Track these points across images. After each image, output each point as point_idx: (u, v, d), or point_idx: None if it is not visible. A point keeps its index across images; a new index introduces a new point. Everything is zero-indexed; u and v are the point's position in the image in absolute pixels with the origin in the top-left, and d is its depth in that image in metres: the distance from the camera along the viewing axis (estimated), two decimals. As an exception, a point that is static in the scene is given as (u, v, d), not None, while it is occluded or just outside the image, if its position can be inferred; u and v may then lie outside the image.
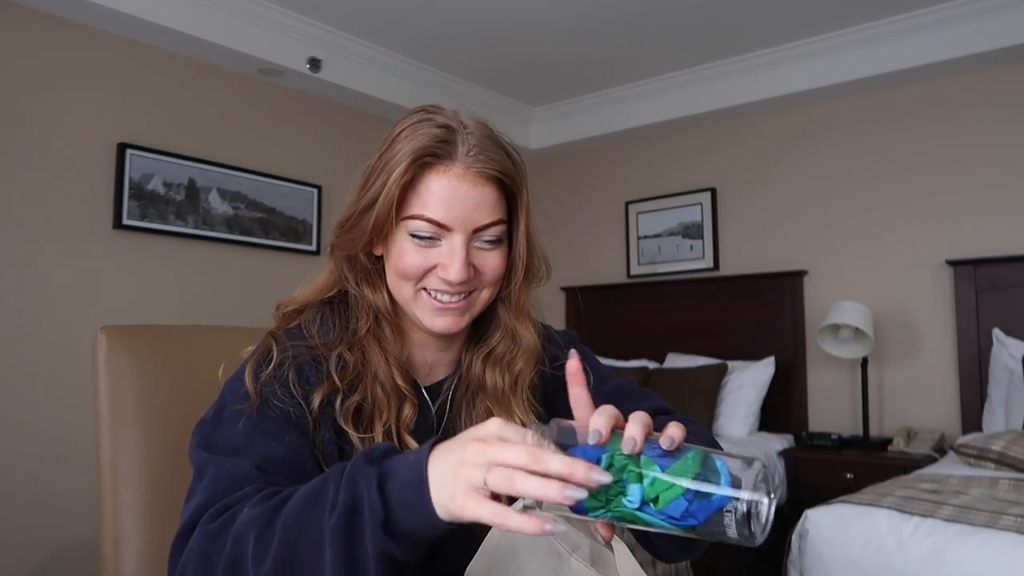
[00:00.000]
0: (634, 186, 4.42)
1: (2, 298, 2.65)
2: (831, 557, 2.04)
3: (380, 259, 0.90)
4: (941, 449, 3.19)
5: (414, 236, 0.83)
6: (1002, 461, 2.53)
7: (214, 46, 3.13)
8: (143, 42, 3.08)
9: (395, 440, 0.85)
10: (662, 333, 4.13)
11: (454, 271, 0.82)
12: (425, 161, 0.81)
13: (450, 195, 0.81)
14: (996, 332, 3.17)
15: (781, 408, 3.69)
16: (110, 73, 2.98)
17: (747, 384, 3.61)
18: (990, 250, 3.27)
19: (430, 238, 0.83)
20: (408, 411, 0.87)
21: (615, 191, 4.50)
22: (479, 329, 0.95)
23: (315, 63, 3.44)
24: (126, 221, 2.97)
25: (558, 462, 0.56)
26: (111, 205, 2.95)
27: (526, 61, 3.86)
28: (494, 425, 0.60)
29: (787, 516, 3.20)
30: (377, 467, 0.63)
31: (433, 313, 0.86)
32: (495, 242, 0.85)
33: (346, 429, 0.83)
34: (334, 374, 0.84)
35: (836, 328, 3.39)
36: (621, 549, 0.70)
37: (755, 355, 3.75)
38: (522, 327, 0.92)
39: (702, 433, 0.84)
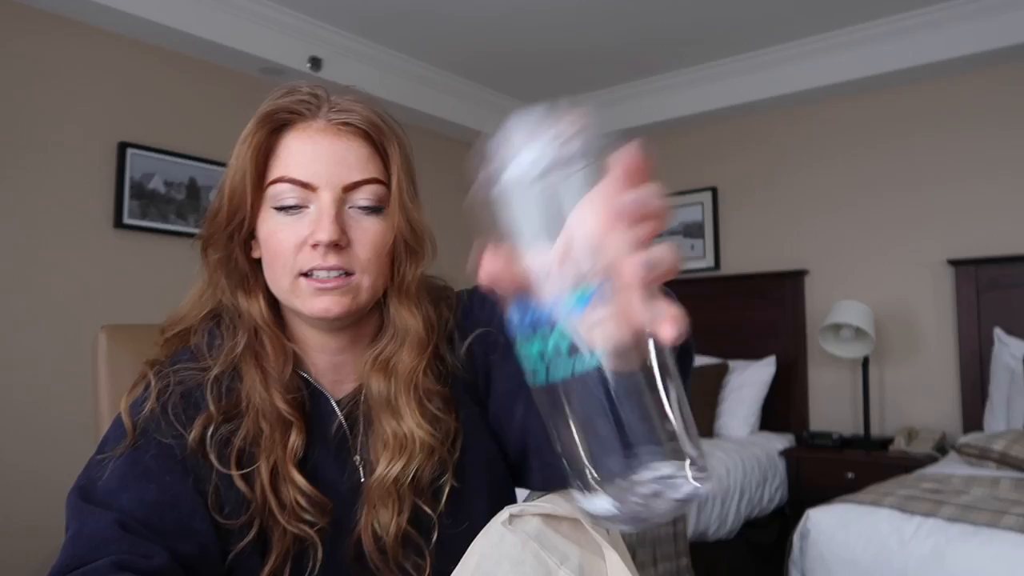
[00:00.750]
0: (635, 185, 4.41)
1: (2, 297, 2.65)
2: (833, 557, 2.04)
3: (258, 262, 0.81)
4: (942, 449, 3.19)
5: (279, 210, 0.75)
6: (1004, 461, 2.53)
7: (215, 45, 3.13)
8: (144, 41, 3.08)
9: (283, 477, 0.75)
10: (663, 332, 4.12)
11: (323, 229, 0.73)
12: (282, 119, 0.76)
13: (311, 149, 0.75)
14: (997, 331, 3.16)
15: (782, 408, 3.69)
16: (111, 72, 2.98)
17: (748, 383, 3.61)
18: (991, 249, 3.26)
19: (296, 206, 0.75)
20: (295, 439, 0.76)
21: (616, 190, 4.49)
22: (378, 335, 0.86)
23: (316, 62, 3.43)
24: (127, 220, 2.97)
25: None
26: (112, 204, 2.94)
27: (527, 60, 3.86)
28: None
29: (788, 516, 3.20)
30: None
31: (312, 295, 0.75)
32: (371, 209, 0.76)
33: (226, 472, 0.74)
34: (209, 403, 0.76)
35: (837, 327, 3.39)
36: (613, 559, 0.67)
37: (756, 354, 3.75)
38: (407, 313, 0.80)
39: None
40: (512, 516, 0.68)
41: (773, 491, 3.25)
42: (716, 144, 4.13)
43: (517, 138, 0.40)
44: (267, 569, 0.73)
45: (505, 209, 0.40)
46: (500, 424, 0.84)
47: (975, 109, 3.36)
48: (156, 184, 3.06)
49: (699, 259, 4.14)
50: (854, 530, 2.03)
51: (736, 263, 4.02)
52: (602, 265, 0.38)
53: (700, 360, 3.81)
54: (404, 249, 0.79)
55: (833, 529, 2.06)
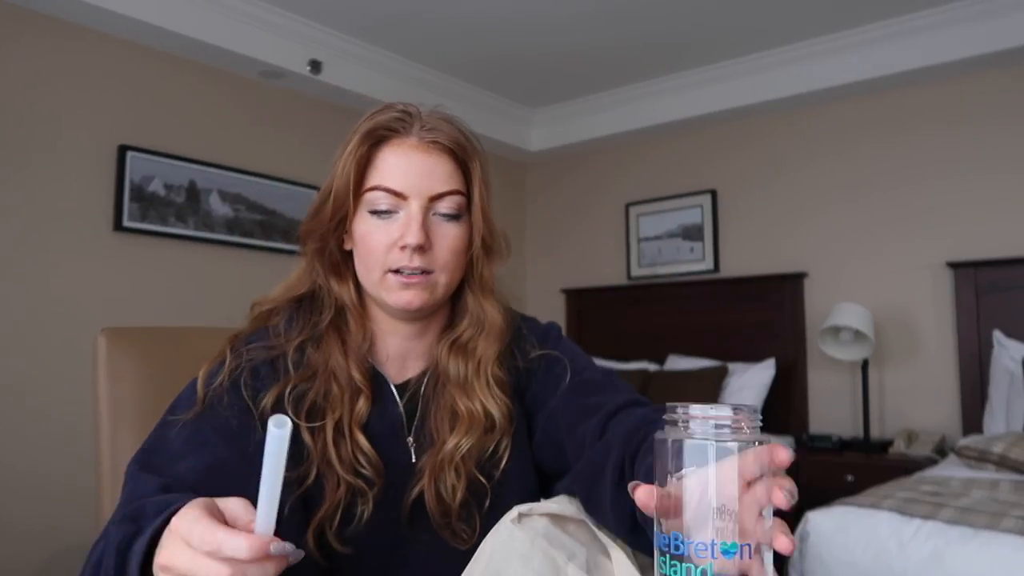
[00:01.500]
0: (634, 188, 4.42)
1: (2, 299, 2.65)
2: (832, 559, 2.03)
3: (350, 254, 0.92)
4: (942, 451, 3.19)
5: (374, 213, 0.86)
6: (1003, 463, 2.53)
7: (215, 48, 3.13)
8: (144, 44, 3.08)
9: (345, 435, 0.85)
10: (662, 335, 4.13)
11: (411, 234, 0.84)
12: (380, 135, 0.86)
13: (404, 163, 0.86)
14: (996, 334, 3.17)
15: (782, 410, 3.69)
16: (111, 75, 2.98)
17: (748, 386, 3.61)
18: (990, 252, 3.27)
19: (389, 211, 0.86)
20: (362, 406, 0.87)
21: (615, 193, 4.50)
22: (452, 322, 0.96)
23: (316, 65, 3.44)
24: (126, 223, 2.97)
25: (234, 542, 0.56)
26: (111, 207, 2.95)
27: (526, 63, 3.86)
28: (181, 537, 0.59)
29: (788, 518, 3.20)
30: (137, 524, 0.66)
31: (398, 289, 0.86)
32: (453, 217, 0.88)
33: (297, 422, 0.83)
34: (291, 369, 0.86)
35: (836, 330, 3.39)
36: (619, 557, 0.69)
37: (756, 357, 3.75)
38: (487, 305, 0.93)
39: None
40: (521, 515, 0.71)
41: (773, 494, 3.25)
42: (715, 146, 4.14)
43: (701, 409, 0.54)
44: (318, 517, 0.81)
45: (678, 454, 0.54)
46: (556, 433, 0.92)
47: (974, 111, 3.37)
48: (156, 187, 3.07)
49: (698, 262, 4.14)
50: (853, 532, 2.03)
51: (735, 266, 4.03)
52: (744, 527, 0.52)
53: (699, 362, 3.81)
54: (483, 249, 0.91)
55: (832, 531, 2.06)
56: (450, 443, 0.86)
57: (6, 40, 2.71)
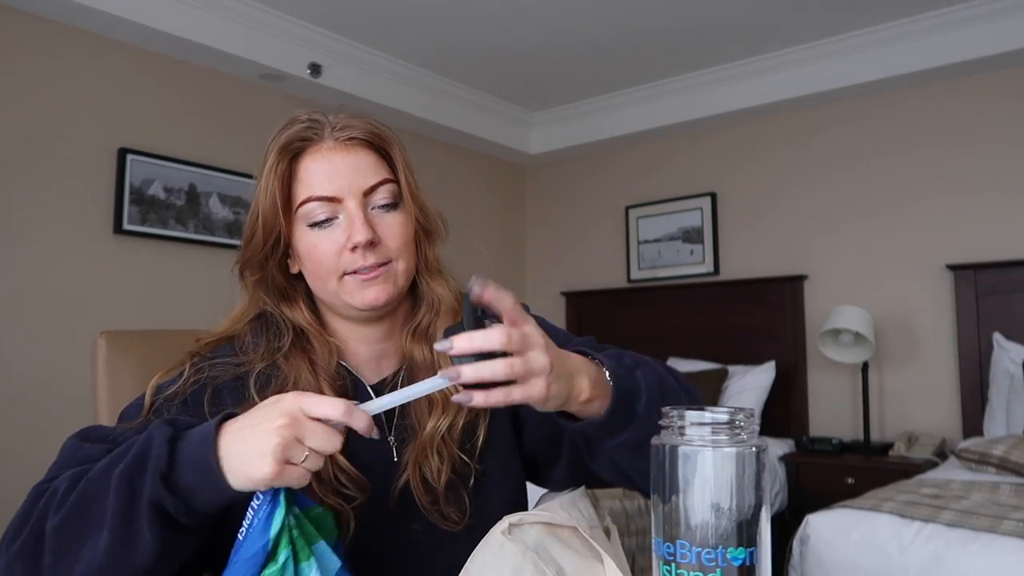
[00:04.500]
0: (634, 191, 4.42)
1: (3, 301, 2.65)
2: (832, 562, 2.03)
3: (298, 277, 0.91)
4: (942, 454, 3.19)
5: (313, 226, 0.85)
6: (1003, 466, 2.52)
7: (215, 51, 3.14)
8: (144, 48, 3.08)
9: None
10: (662, 338, 4.13)
11: (357, 232, 0.83)
12: (296, 148, 0.86)
13: (328, 168, 0.85)
14: (996, 336, 3.17)
15: (782, 413, 3.69)
16: (111, 78, 2.98)
17: (748, 389, 3.60)
18: (990, 254, 3.27)
19: (328, 219, 0.85)
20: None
21: (615, 196, 4.50)
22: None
23: (316, 68, 3.44)
24: (126, 226, 2.97)
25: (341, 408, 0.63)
26: (111, 210, 2.95)
27: (526, 66, 3.87)
28: (290, 396, 0.65)
29: (788, 521, 3.19)
30: (174, 427, 0.67)
31: (360, 289, 0.85)
32: (390, 206, 0.87)
33: None
34: (253, 394, 0.84)
35: (836, 333, 3.39)
36: (611, 565, 0.69)
37: (756, 360, 3.74)
38: (437, 286, 0.93)
39: (652, 372, 0.81)
40: (511, 525, 0.70)
41: (773, 496, 3.25)
42: (716, 149, 4.14)
43: (696, 415, 0.55)
44: None
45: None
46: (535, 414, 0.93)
47: (975, 113, 3.37)
48: (156, 190, 3.07)
49: (698, 264, 4.15)
50: (854, 535, 2.03)
51: (735, 268, 4.03)
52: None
53: (700, 365, 3.81)
54: (423, 233, 0.91)
55: (833, 534, 2.06)
56: (429, 426, 0.87)
57: (7, 44, 2.71)
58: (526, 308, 1.00)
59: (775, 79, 3.73)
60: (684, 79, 3.98)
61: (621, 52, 3.70)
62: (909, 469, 2.98)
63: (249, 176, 3.38)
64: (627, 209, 4.42)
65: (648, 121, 4.17)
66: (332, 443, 0.65)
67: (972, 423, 3.22)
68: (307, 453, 0.63)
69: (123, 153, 2.97)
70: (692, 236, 4.18)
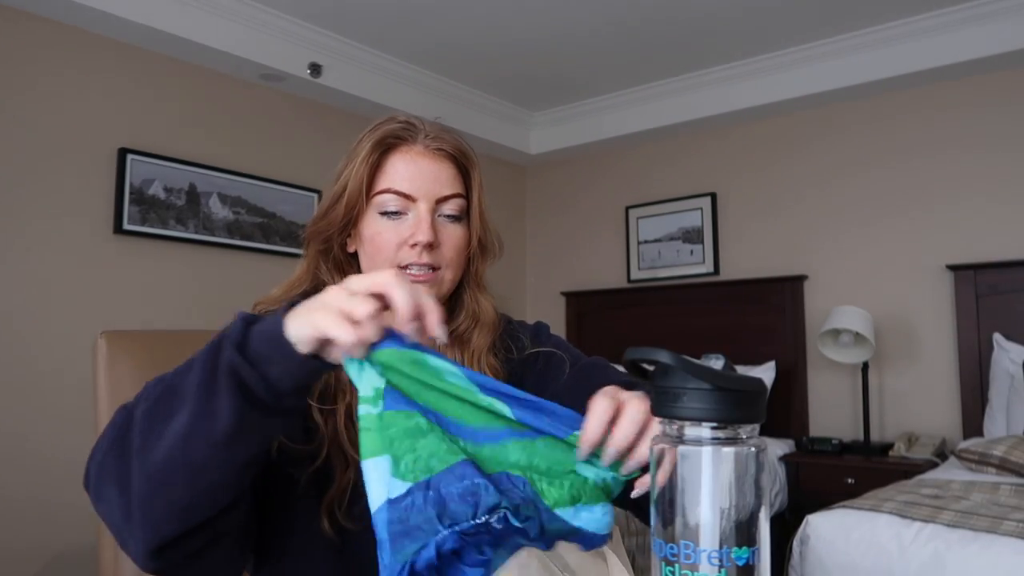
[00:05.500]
0: (634, 191, 4.42)
1: (3, 301, 2.65)
2: (832, 563, 2.03)
3: (354, 256, 0.98)
4: (942, 454, 3.19)
5: (384, 214, 0.92)
6: (1003, 466, 2.52)
7: (215, 51, 3.14)
8: (144, 47, 3.08)
9: (355, 420, 0.86)
10: (663, 338, 4.13)
11: (422, 232, 0.90)
12: (389, 143, 0.93)
13: (413, 169, 0.93)
14: (997, 337, 3.17)
15: (782, 413, 3.69)
16: (111, 78, 2.98)
17: (748, 389, 3.60)
18: (990, 255, 3.27)
19: (398, 212, 0.92)
20: None
21: (615, 196, 4.50)
22: (449, 318, 1.00)
23: (316, 68, 3.44)
24: (127, 226, 2.97)
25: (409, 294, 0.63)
26: (112, 210, 2.95)
27: (526, 66, 3.87)
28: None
29: (788, 521, 3.19)
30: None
31: None
32: (455, 218, 0.95)
33: (310, 402, 0.86)
34: None
35: (836, 333, 3.39)
36: (615, 563, 0.70)
37: (756, 360, 3.75)
38: (482, 299, 1.00)
39: None
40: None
41: (773, 497, 3.25)
42: (715, 149, 4.14)
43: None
44: (329, 496, 0.84)
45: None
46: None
47: (975, 113, 3.37)
48: (156, 190, 3.07)
49: (698, 264, 4.15)
50: (854, 536, 2.02)
51: (735, 268, 4.03)
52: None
53: (700, 365, 3.81)
54: (479, 248, 0.99)
55: (833, 535, 2.06)
56: None
57: (7, 44, 2.71)
58: (544, 327, 1.06)
59: (775, 79, 3.73)
60: (684, 79, 3.98)
61: (621, 52, 3.70)
62: (909, 469, 2.98)
63: (249, 176, 3.38)
64: (627, 209, 4.42)
65: (648, 121, 4.17)
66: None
67: (972, 423, 3.22)
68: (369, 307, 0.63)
69: (123, 153, 2.97)
70: (692, 236, 4.18)
